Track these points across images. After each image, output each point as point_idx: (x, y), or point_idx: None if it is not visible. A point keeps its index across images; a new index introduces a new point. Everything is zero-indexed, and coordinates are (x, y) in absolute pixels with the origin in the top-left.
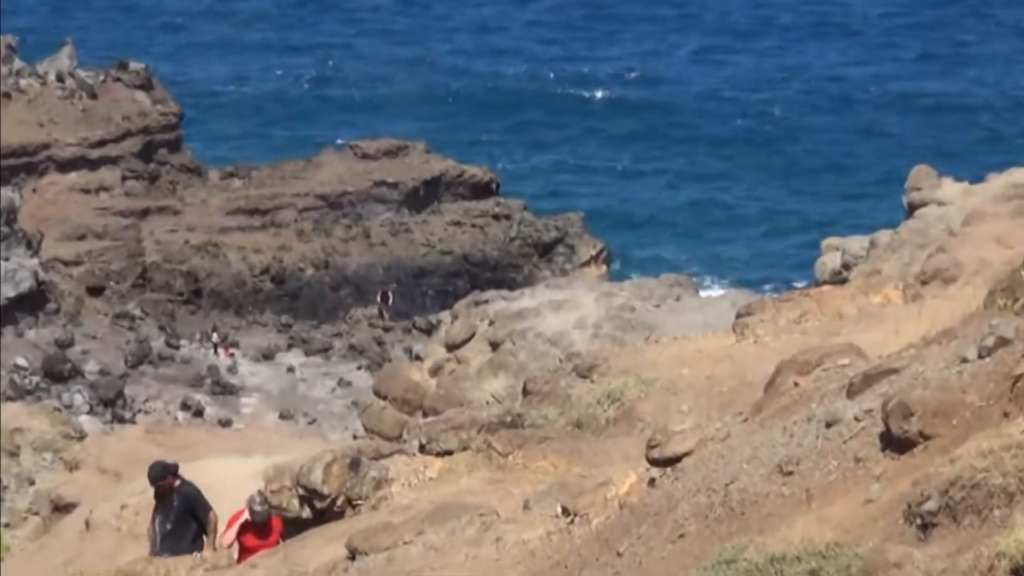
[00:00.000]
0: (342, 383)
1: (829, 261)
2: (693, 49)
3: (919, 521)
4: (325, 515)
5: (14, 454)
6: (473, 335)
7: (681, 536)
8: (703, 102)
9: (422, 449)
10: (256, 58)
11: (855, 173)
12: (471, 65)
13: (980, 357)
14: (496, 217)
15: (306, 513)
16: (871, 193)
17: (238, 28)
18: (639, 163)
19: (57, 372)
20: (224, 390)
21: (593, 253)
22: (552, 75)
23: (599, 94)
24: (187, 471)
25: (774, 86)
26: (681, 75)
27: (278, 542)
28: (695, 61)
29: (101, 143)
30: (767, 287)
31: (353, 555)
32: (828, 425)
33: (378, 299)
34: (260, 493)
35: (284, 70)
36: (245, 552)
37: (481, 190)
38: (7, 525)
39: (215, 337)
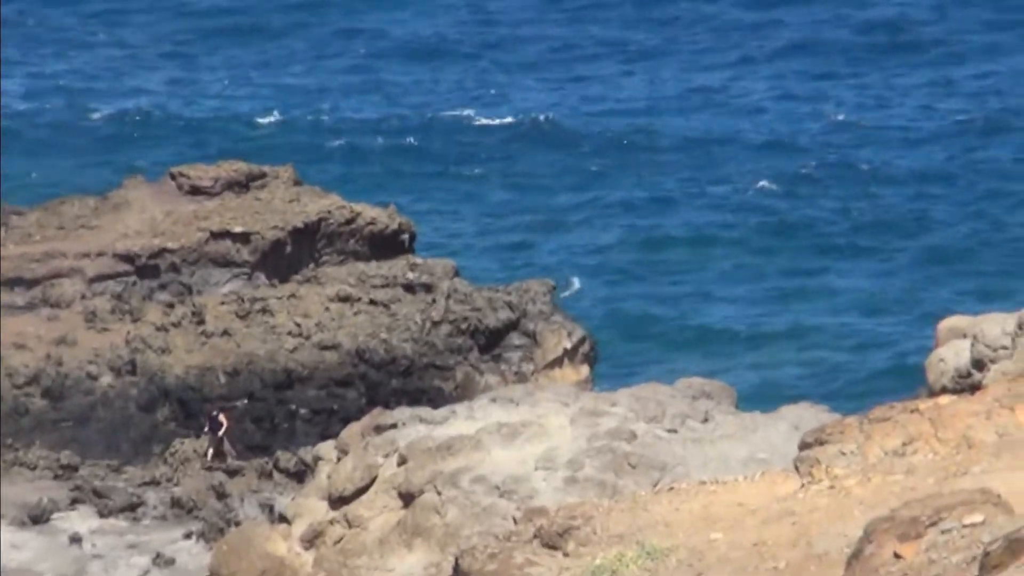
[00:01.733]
0: (160, 561)
1: (950, 356)
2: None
3: None
4: None
5: None
6: (373, 481)
7: None
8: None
9: None
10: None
11: (985, 212)
12: (371, 59)
13: None
14: (410, 288)
15: None
16: (1017, 242)
17: None
18: (633, 208)
19: None
20: None
21: (568, 346)
22: (502, 82)
23: (573, 123)
24: None
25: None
26: (677, 102)
27: None
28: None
29: None
30: (848, 399)
31: None
32: None
33: (205, 427)
34: None
35: (60, 59)
36: None
37: (386, 244)
38: None
39: None
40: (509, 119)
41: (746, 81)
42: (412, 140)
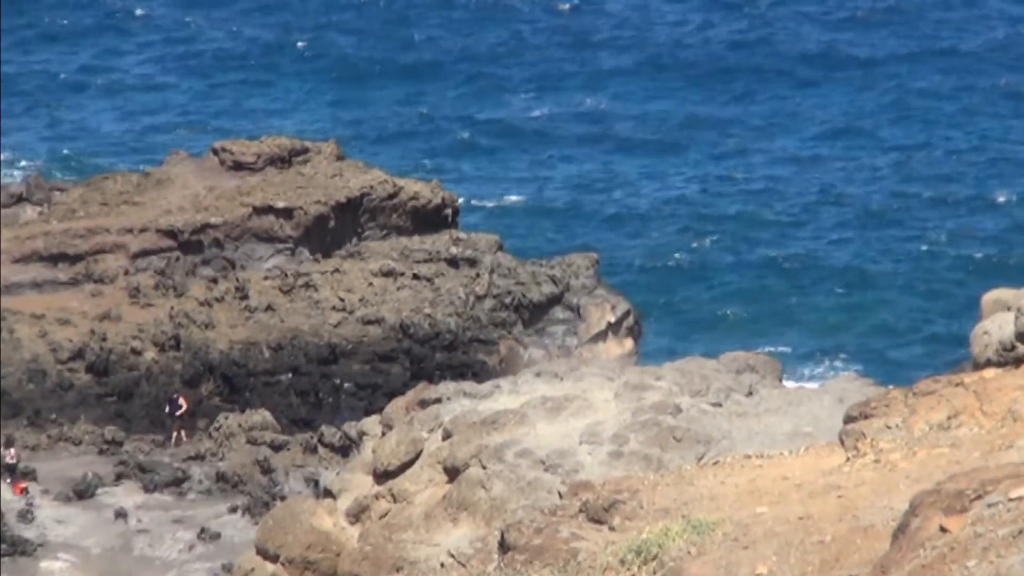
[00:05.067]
0: (206, 535)
1: (995, 328)
2: None
3: None
4: None
5: None
6: (418, 455)
7: None
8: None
9: None
10: None
11: None
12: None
13: None
14: (454, 262)
15: None
16: None
17: None
18: (671, 171)
19: None
20: (14, 548)
21: (612, 319)
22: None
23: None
24: None
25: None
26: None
27: None
28: None
29: None
30: (894, 372)
31: None
32: None
33: (167, 407)
34: None
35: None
36: None
37: (429, 219)
38: None
39: None
40: None
41: None
42: None
